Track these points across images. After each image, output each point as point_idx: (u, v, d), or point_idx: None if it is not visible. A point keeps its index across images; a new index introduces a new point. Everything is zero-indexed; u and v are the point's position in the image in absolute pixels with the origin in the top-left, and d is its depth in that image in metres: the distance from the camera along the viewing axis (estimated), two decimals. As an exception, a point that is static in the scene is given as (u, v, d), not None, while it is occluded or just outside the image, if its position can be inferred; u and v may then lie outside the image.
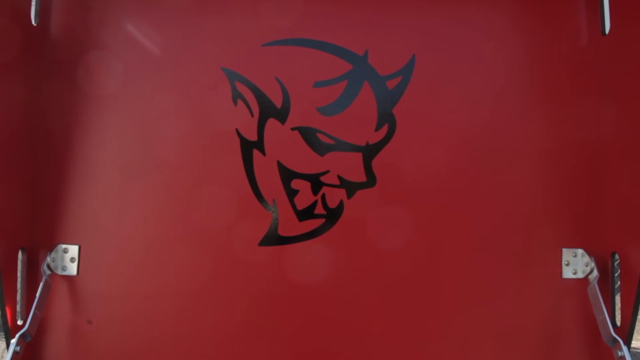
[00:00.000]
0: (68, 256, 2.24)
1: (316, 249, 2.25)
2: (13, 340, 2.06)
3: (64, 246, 2.25)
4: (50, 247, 2.24)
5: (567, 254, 2.31)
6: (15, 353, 2.04)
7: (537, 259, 2.30)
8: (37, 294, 2.15)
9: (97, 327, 2.24)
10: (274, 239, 2.25)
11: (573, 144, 2.30)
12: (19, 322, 2.15)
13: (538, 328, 2.28)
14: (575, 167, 2.30)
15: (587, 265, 2.29)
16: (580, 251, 2.30)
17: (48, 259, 2.22)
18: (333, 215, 2.26)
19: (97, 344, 2.24)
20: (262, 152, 2.25)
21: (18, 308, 2.19)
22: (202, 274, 2.26)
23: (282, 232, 2.26)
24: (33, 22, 2.20)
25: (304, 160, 2.25)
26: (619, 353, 2.11)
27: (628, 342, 2.16)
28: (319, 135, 2.25)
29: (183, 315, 2.25)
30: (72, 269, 2.25)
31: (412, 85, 2.27)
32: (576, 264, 2.30)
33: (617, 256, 2.24)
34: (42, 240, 2.25)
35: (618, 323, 2.20)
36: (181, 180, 2.26)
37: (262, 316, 2.25)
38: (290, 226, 2.25)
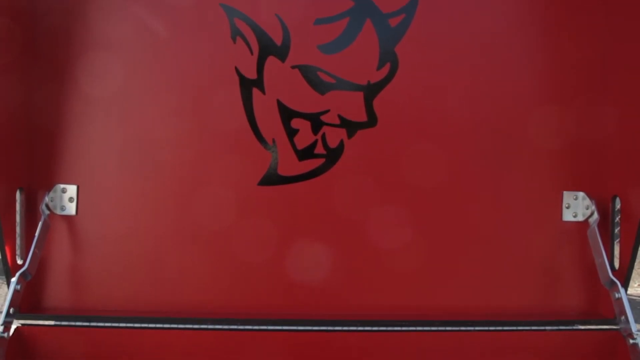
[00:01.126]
0: (67, 196, 2.23)
1: (316, 188, 2.24)
2: (13, 279, 2.06)
3: (62, 186, 2.23)
4: (49, 187, 2.22)
5: (567, 196, 2.30)
6: (15, 291, 2.05)
7: (538, 202, 2.30)
8: (36, 233, 2.14)
9: (97, 267, 2.25)
10: (273, 178, 2.24)
11: (577, 85, 2.27)
12: (19, 262, 2.15)
13: (537, 270, 2.30)
14: (578, 108, 2.27)
15: (587, 209, 2.28)
16: (581, 194, 2.30)
17: (46, 199, 2.21)
18: (333, 155, 2.23)
19: (97, 283, 2.25)
20: (262, 90, 2.21)
21: (18, 247, 2.19)
22: (202, 213, 2.25)
23: (282, 171, 2.24)
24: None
25: (304, 99, 2.21)
26: (616, 295, 2.13)
27: (625, 285, 2.18)
28: (320, 74, 2.21)
29: (183, 254, 2.25)
30: (71, 208, 2.24)
31: (416, 23, 2.21)
32: (577, 207, 2.30)
33: (618, 199, 2.24)
34: (40, 180, 2.23)
35: (616, 266, 2.21)
36: (180, 119, 2.23)
37: (262, 254, 2.25)
38: (290, 166, 2.23)
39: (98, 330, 2.14)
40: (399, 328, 2.16)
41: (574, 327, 2.20)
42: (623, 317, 2.09)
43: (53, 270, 2.25)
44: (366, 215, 2.26)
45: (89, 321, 2.15)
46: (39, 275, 2.22)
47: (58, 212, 2.23)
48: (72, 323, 2.15)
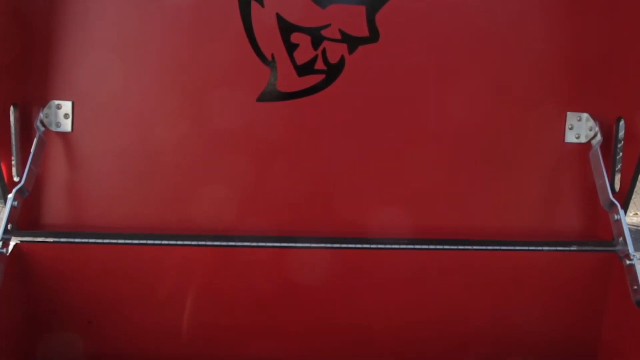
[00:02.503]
0: (61, 112, 2.19)
1: (316, 104, 2.19)
2: (10, 195, 2.04)
3: (56, 102, 2.18)
4: (43, 103, 2.17)
5: (571, 117, 2.26)
6: (13, 207, 2.03)
7: (541, 122, 2.26)
8: (32, 150, 2.11)
9: (95, 184, 2.23)
10: (272, 94, 2.19)
11: (584, 3, 2.20)
12: (16, 179, 2.13)
13: (537, 190, 2.29)
14: (584, 27, 2.22)
15: (591, 130, 2.25)
16: (585, 115, 2.26)
17: (41, 115, 2.16)
18: (334, 70, 2.18)
19: (95, 200, 2.24)
20: (261, 3, 2.13)
21: (14, 164, 2.17)
22: (200, 129, 2.22)
23: (281, 87, 2.19)
24: None
25: (304, 12, 2.14)
26: (616, 217, 2.12)
27: (625, 207, 2.18)
28: (321, -14, 2.14)
29: (181, 170, 2.23)
30: (66, 125, 2.20)
31: None
32: (580, 128, 2.27)
33: (622, 122, 2.20)
34: (35, 96, 2.18)
35: (617, 188, 2.21)
36: (177, 33, 2.17)
37: (261, 170, 2.24)
38: (290, 81, 2.18)
39: (97, 246, 2.15)
40: (397, 246, 2.17)
41: (572, 248, 2.21)
42: (621, 239, 2.10)
43: (51, 187, 2.23)
44: (367, 132, 2.23)
45: (88, 238, 2.15)
46: (37, 193, 2.20)
47: (53, 128, 2.19)
48: (71, 240, 2.16)
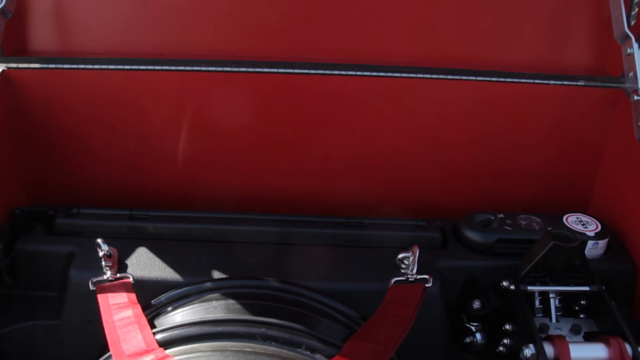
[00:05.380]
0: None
1: None
2: (-9, 17, 1.94)
3: None
4: None
5: (592, -59, 2.10)
6: (-4, 31, 1.95)
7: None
8: None
9: (84, 5, 2.10)
10: None
11: None
12: (-3, 2, 2.01)
13: (547, 21, 2.16)
14: None
15: (611, -44, 2.09)
16: (607, -61, 2.09)
17: None
18: None
19: (84, 24, 2.12)
20: None
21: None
22: None
23: None
24: None
25: None
26: (629, 50, 2.02)
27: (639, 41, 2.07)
28: None
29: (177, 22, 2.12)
30: None
31: None
32: (599, -45, 2.11)
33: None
34: None
35: (633, 22, 2.07)
36: None
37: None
38: None
39: (88, 72, 2.05)
40: (399, 74, 2.08)
41: (579, 83, 2.13)
42: (631, 74, 2.01)
43: (37, 10, 2.10)
44: None
45: (78, 63, 2.06)
46: (22, 17, 2.09)
47: None
48: (60, 65, 2.07)
